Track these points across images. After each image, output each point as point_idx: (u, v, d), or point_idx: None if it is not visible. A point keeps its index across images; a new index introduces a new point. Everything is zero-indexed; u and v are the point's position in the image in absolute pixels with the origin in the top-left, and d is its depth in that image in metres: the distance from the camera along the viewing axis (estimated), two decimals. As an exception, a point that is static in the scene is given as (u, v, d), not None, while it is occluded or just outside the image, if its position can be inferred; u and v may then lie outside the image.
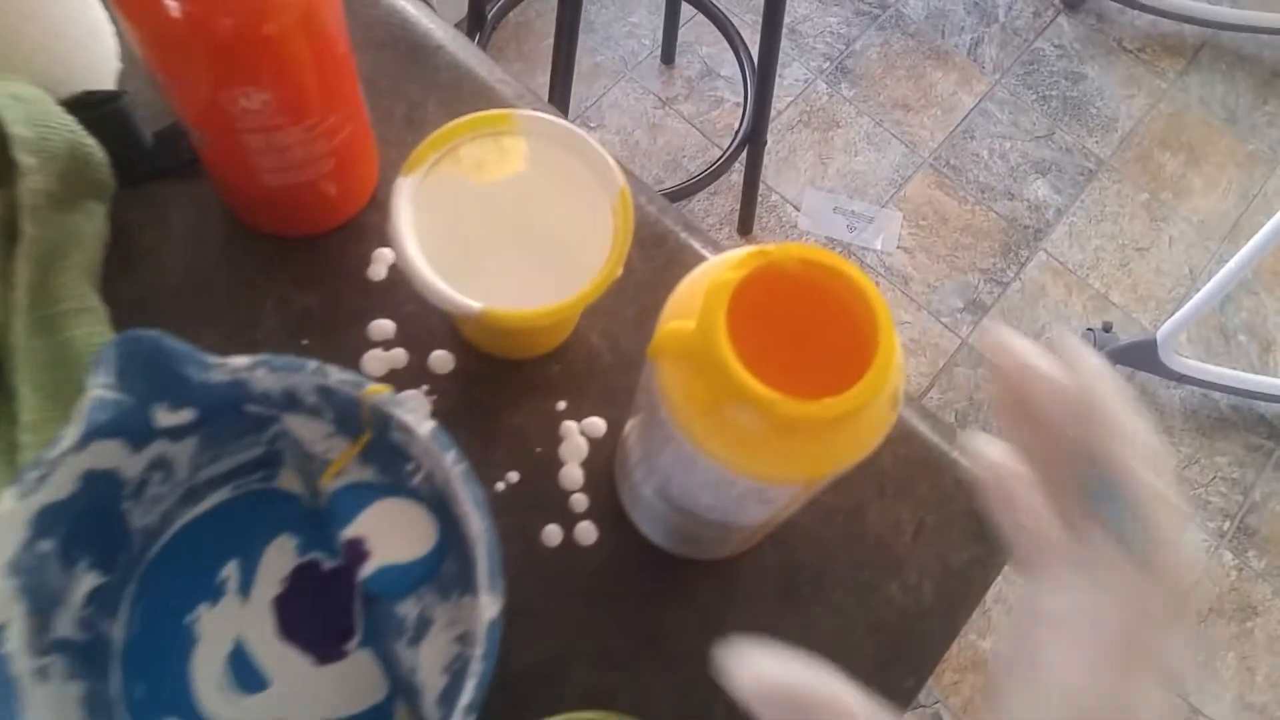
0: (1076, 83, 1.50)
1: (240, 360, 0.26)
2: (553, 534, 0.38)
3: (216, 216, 0.41)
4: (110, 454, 0.26)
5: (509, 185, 0.37)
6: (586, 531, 0.38)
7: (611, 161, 0.35)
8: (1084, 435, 0.20)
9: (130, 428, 0.26)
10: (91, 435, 0.25)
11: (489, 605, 0.24)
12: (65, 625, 0.27)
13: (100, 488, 0.27)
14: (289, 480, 0.32)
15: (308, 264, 0.41)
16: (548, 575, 0.37)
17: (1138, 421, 0.20)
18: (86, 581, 0.28)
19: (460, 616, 0.28)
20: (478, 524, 0.26)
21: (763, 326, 0.26)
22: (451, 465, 0.26)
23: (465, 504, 0.26)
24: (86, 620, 0.28)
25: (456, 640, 0.27)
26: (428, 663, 0.27)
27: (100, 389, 0.25)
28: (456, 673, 0.26)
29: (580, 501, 0.39)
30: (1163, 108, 1.50)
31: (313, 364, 0.27)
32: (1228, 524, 1.32)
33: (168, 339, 0.26)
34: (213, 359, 0.26)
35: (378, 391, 0.27)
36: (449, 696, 0.26)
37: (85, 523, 0.27)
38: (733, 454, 0.24)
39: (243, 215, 0.41)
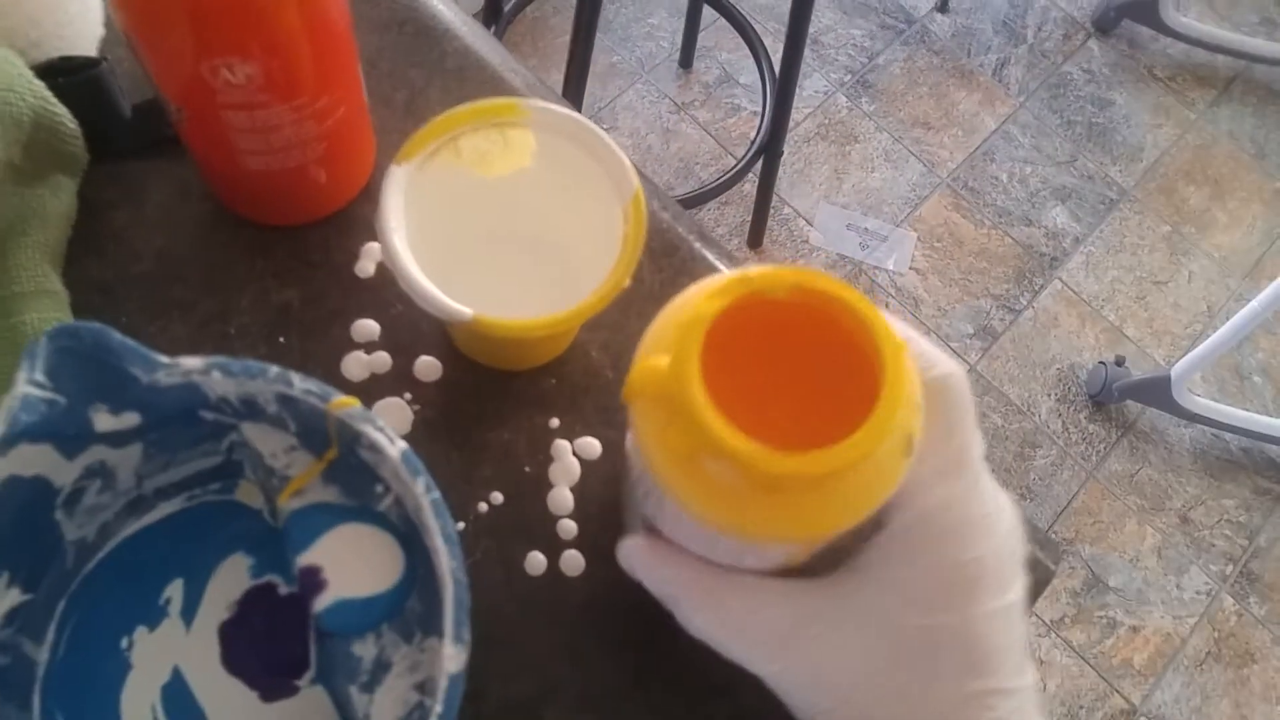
0: (1103, 109, 1.47)
1: (193, 361, 0.23)
2: (537, 562, 0.35)
3: (196, 199, 0.38)
4: (38, 459, 0.23)
5: (512, 181, 0.34)
6: (573, 561, 0.35)
7: (627, 162, 0.32)
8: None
9: (62, 431, 0.23)
10: (16, 438, 0.22)
11: (452, 657, 0.21)
12: (-20, 648, 0.24)
13: (25, 495, 0.24)
14: (248, 493, 0.29)
15: (291, 255, 0.38)
16: (529, 606, 0.34)
17: None
18: (7, 599, 0.25)
19: (423, 661, 0.25)
20: (446, 561, 0.23)
21: (751, 364, 0.23)
22: (422, 494, 0.23)
23: (435, 538, 0.23)
24: (6, 642, 0.25)
25: (416, 688, 0.24)
26: (382, 712, 0.24)
27: (28, 386, 0.22)
28: (415, 726, 0.24)
29: (569, 528, 0.36)
30: (1190, 139, 1.47)
31: (274, 370, 0.24)
32: (1230, 568, 1.29)
33: (111, 333, 0.23)
34: (162, 359, 0.23)
35: (346, 404, 0.24)
36: (405, 753, 0.23)
37: (7, 534, 0.24)
38: (714, 511, 0.21)
39: (224, 199, 0.38)
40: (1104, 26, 1.52)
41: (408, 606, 0.25)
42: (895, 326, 0.22)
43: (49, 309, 0.33)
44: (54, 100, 0.33)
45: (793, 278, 0.20)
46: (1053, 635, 1.30)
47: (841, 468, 0.19)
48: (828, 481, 0.19)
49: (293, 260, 0.38)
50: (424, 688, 0.24)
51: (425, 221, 0.32)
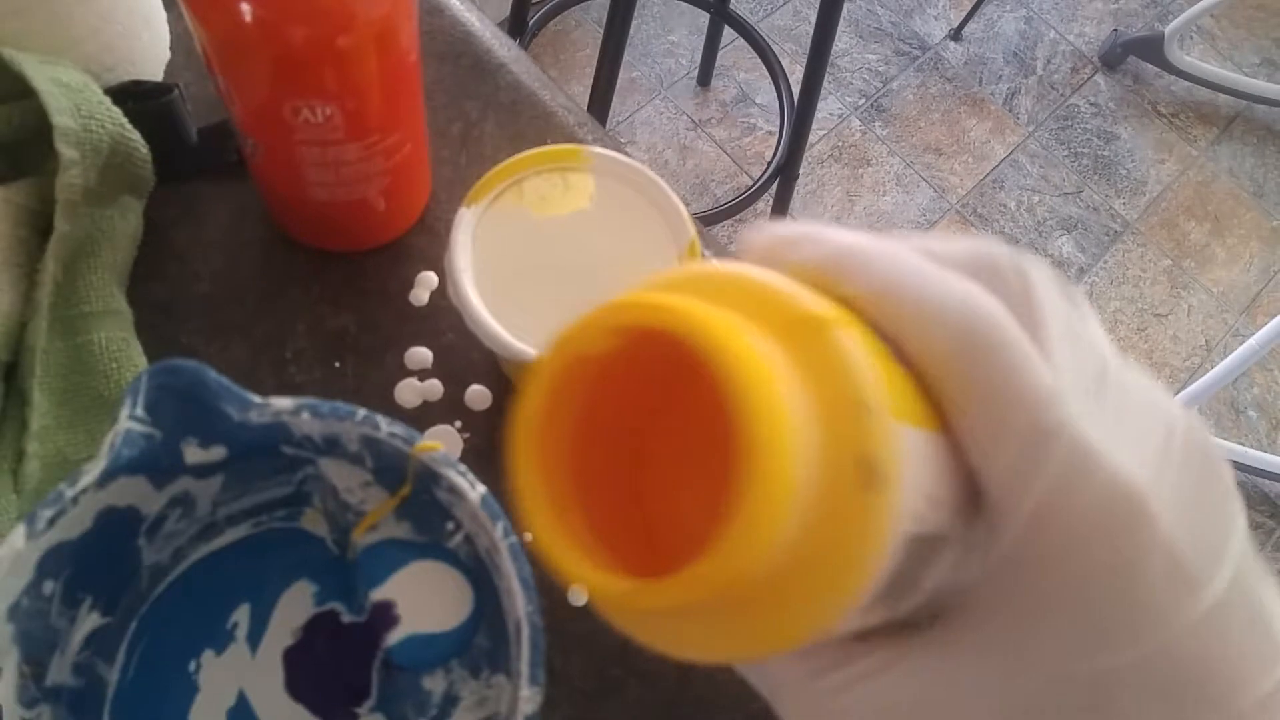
0: (1109, 142, 1.49)
1: (284, 402, 0.24)
2: (578, 593, 0.36)
3: (255, 222, 0.39)
4: (132, 491, 0.24)
5: (571, 222, 0.35)
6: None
7: (683, 210, 0.34)
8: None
9: (156, 464, 0.24)
10: (116, 472, 0.23)
11: (529, 699, 0.22)
12: (60, 672, 0.25)
13: (115, 525, 0.25)
14: (313, 521, 0.30)
15: (347, 281, 0.39)
16: (569, 638, 0.35)
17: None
18: (88, 623, 0.26)
19: (490, 696, 0.25)
20: (523, 605, 0.23)
21: (665, 432, 0.17)
22: (501, 538, 0.24)
23: (512, 581, 0.24)
24: (82, 665, 0.26)
25: (485, 724, 0.25)
26: (452, 746, 0.25)
27: (130, 421, 0.23)
28: (482, 760, 0.24)
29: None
30: (1192, 175, 1.49)
31: (362, 413, 0.25)
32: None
33: (209, 372, 0.24)
34: (255, 398, 0.24)
35: (430, 449, 0.25)
36: (473, 788, 0.24)
37: (94, 561, 0.25)
38: (626, 625, 0.16)
39: (284, 226, 0.39)
40: (1110, 62, 1.54)
41: (475, 642, 0.26)
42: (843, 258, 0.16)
43: (115, 328, 0.34)
44: (130, 126, 0.34)
45: (612, 319, 0.14)
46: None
47: (702, 592, 0.13)
48: (733, 592, 0.13)
49: (348, 287, 0.39)
50: (491, 723, 0.25)
51: (488, 260, 0.33)
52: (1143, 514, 0.14)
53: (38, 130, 0.33)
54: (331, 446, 0.26)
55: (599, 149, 0.34)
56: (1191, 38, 1.58)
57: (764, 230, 0.17)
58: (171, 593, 0.29)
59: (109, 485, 0.23)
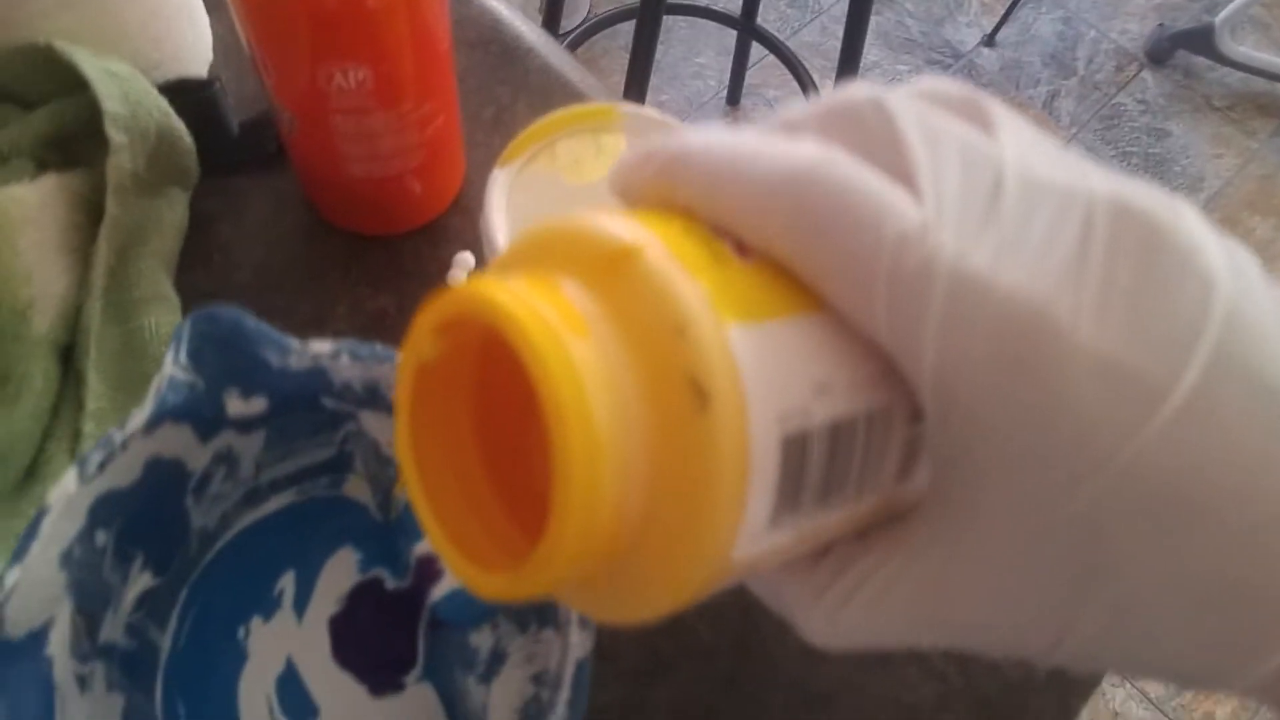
0: (1160, 139, 1.45)
1: (323, 345, 0.24)
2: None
3: (295, 211, 0.40)
4: (178, 441, 0.24)
5: (604, 189, 0.35)
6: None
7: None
8: None
9: (200, 414, 0.24)
10: (161, 418, 0.23)
11: (579, 643, 0.21)
12: (113, 630, 0.25)
13: (163, 479, 0.24)
14: (356, 488, 0.30)
15: (385, 264, 0.39)
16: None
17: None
18: (140, 582, 0.25)
19: (538, 652, 0.25)
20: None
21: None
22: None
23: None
24: (135, 626, 0.26)
25: (533, 680, 0.24)
26: (500, 702, 0.24)
27: (174, 368, 0.23)
28: (531, 717, 0.23)
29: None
30: (1253, 169, 1.44)
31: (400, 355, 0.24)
32: None
33: (247, 318, 0.24)
34: (293, 342, 0.24)
35: (467, 392, 0.24)
36: (524, 741, 0.23)
37: (144, 516, 0.25)
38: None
39: (323, 209, 0.39)
40: (1158, 57, 1.50)
41: (522, 595, 0.25)
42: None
43: (164, 314, 0.35)
44: (175, 116, 0.35)
45: (427, 321, 0.14)
46: (1128, 685, 1.25)
47: (559, 572, 0.13)
48: (601, 558, 0.13)
49: (387, 269, 0.39)
50: (540, 679, 0.24)
51: (521, 223, 0.33)
52: (1051, 330, 0.12)
53: (89, 124, 0.35)
54: (372, 396, 0.25)
55: (632, 106, 0.34)
56: (1243, 28, 1.54)
57: (621, 159, 0.16)
58: (220, 560, 0.28)
59: (155, 432, 0.23)
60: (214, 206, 0.39)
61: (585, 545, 0.12)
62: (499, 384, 0.15)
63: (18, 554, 0.21)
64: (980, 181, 0.13)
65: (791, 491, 0.13)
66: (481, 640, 0.25)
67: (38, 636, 0.22)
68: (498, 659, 0.25)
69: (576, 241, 0.13)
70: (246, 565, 0.28)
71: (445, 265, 0.39)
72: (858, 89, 0.14)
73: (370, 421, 0.27)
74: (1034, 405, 0.12)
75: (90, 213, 0.34)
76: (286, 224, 0.40)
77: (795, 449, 0.13)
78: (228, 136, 0.39)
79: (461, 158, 0.40)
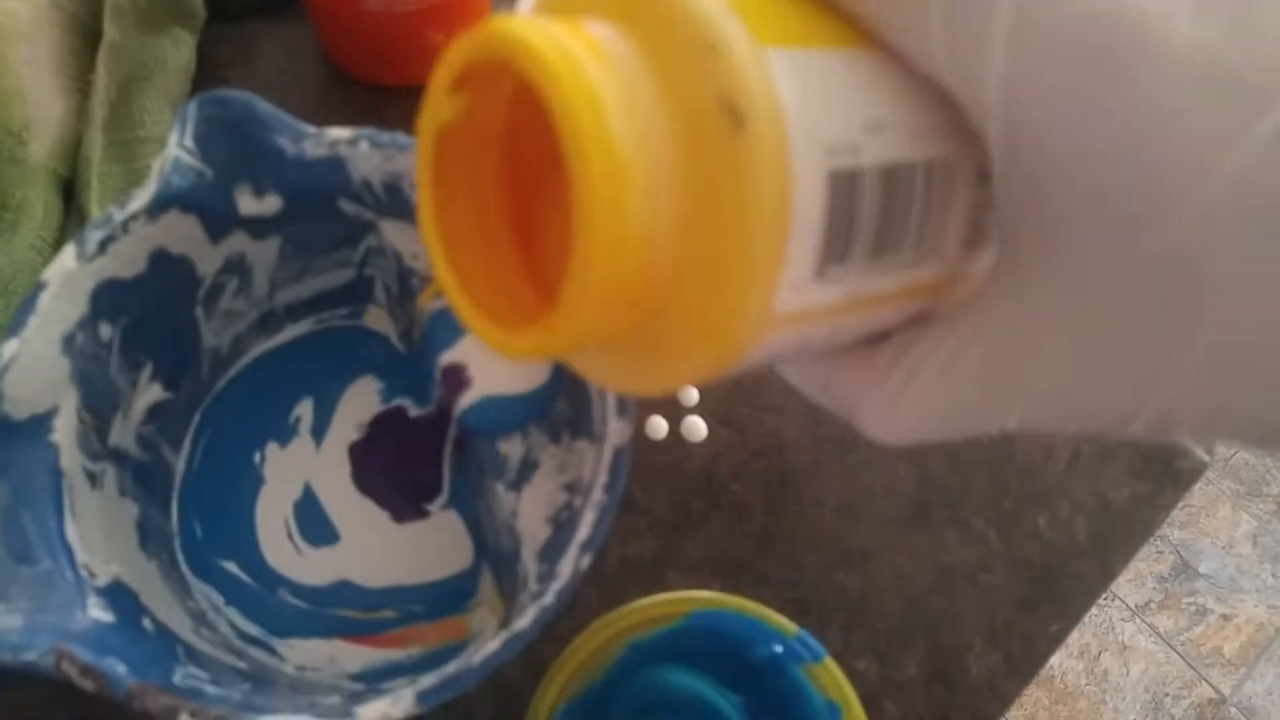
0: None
1: (340, 131, 0.22)
2: (658, 426, 0.34)
3: (310, 61, 0.38)
4: (185, 234, 0.23)
5: None
6: (695, 427, 0.34)
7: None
8: None
9: (209, 206, 0.22)
10: (166, 202, 0.21)
11: (618, 430, 0.20)
12: (123, 436, 0.23)
13: (170, 278, 0.23)
14: (377, 318, 0.28)
15: (405, 118, 0.37)
16: (650, 470, 0.33)
17: None
18: (149, 393, 0.24)
19: (570, 461, 0.23)
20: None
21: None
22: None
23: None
24: (146, 438, 0.24)
25: (565, 488, 0.23)
26: (530, 509, 0.23)
27: (178, 150, 0.21)
28: (563, 523, 0.22)
29: (690, 394, 0.34)
30: None
31: (422, 146, 0.23)
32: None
33: (258, 102, 0.22)
34: (309, 128, 0.22)
35: (495, 184, 0.23)
36: (554, 548, 0.21)
37: (153, 319, 0.23)
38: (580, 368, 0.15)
39: (338, 56, 0.37)
40: None
41: (555, 408, 0.24)
42: None
43: (171, 154, 0.33)
44: (180, -56, 0.33)
45: (445, 73, 0.13)
46: (1138, 620, 1.25)
47: (589, 316, 0.12)
48: (634, 305, 0.12)
49: (404, 125, 0.37)
50: (572, 487, 0.23)
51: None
52: (1142, 25, 0.11)
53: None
54: (393, 199, 0.24)
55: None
56: None
57: None
58: (234, 387, 0.27)
59: (160, 219, 0.22)
60: (224, 53, 0.38)
61: (614, 281, 0.11)
62: (526, 146, 0.14)
63: (14, 327, 0.20)
64: None
65: (840, 237, 0.12)
66: (512, 449, 0.24)
67: (41, 421, 0.20)
68: (529, 467, 0.23)
69: None
70: (261, 392, 0.27)
71: (465, 119, 0.38)
72: None
73: (392, 233, 0.25)
74: (1122, 114, 0.11)
75: (86, 38, 0.33)
76: (301, 73, 0.38)
77: (844, 187, 0.12)
78: (236, -23, 0.37)
79: (487, 6, 0.38)
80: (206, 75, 0.37)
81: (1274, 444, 0.13)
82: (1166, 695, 1.22)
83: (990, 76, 0.11)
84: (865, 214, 0.12)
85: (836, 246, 0.12)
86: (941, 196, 0.13)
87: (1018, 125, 0.11)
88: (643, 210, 0.11)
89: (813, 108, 0.11)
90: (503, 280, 0.14)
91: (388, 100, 0.37)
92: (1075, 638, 1.17)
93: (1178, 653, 1.23)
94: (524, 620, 0.18)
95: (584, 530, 0.19)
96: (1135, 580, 1.27)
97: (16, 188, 0.30)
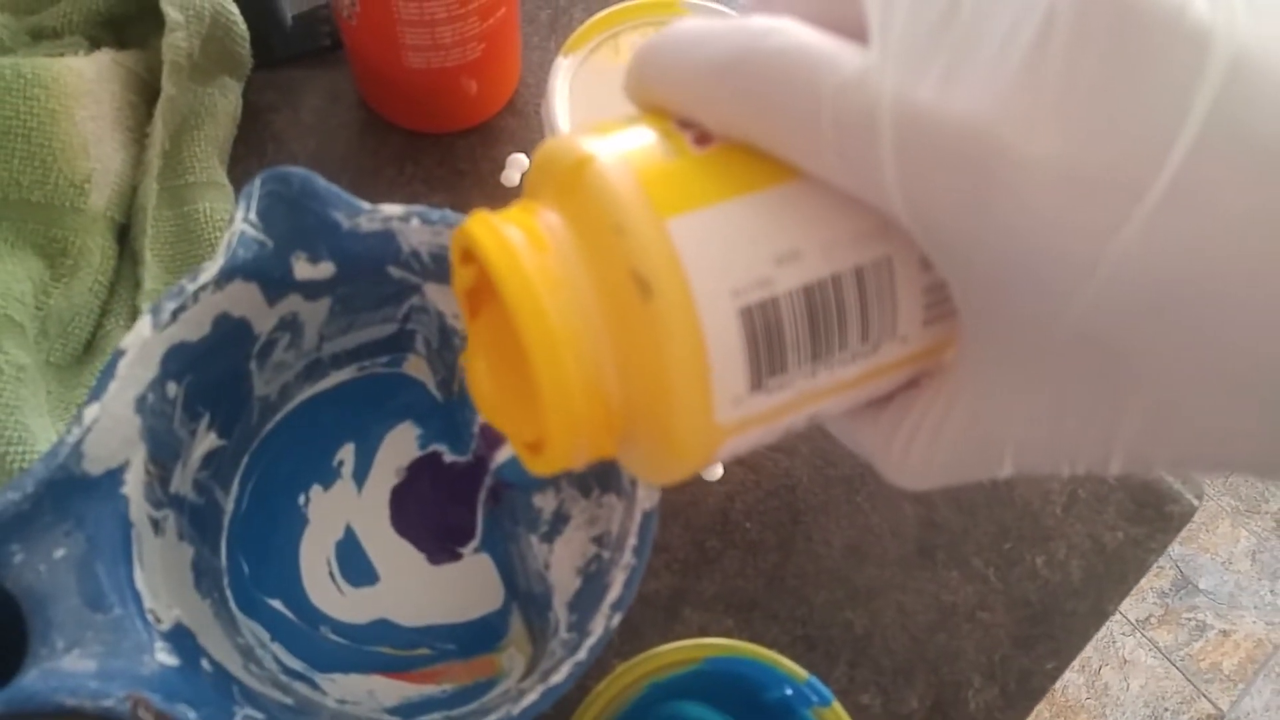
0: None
1: (393, 208, 0.24)
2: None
3: (349, 106, 0.40)
4: (246, 300, 0.24)
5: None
6: (712, 465, 0.35)
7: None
8: None
9: (268, 274, 0.24)
10: (232, 273, 0.23)
11: (647, 497, 0.22)
12: (182, 483, 0.25)
13: (230, 338, 0.25)
14: (417, 367, 0.30)
15: (439, 163, 0.39)
16: (669, 508, 0.35)
17: None
18: (206, 441, 0.26)
19: (600, 515, 0.25)
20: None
21: None
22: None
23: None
24: (202, 483, 0.26)
25: (594, 541, 0.25)
26: (561, 561, 0.24)
27: (244, 224, 0.23)
28: (592, 575, 0.24)
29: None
30: None
31: (468, 221, 0.24)
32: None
33: (317, 179, 0.24)
34: (364, 204, 0.24)
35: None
36: (583, 599, 0.23)
37: (212, 375, 0.25)
38: None
39: (379, 105, 0.39)
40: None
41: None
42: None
43: (218, 200, 0.35)
44: (230, 1, 0.35)
45: (455, 253, 0.16)
46: (1138, 635, 1.26)
47: (562, 452, 0.15)
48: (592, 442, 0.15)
49: (441, 168, 0.39)
50: (601, 541, 0.24)
51: (582, 114, 0.32)
52: (1000, 148, 0.11)
53: (142, 5, 0.34)
54: (439, 266, 0.25)
55: (695, -2, 0.33)
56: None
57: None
58: (280, 431, 0.29)
59: (226, 287, 0.23)
60: (268, 99, 0.39)
61: (574, 419, 0.14)
62: None
63: (96, 393, 0.21)
64: (928, 10, 0.12)
65: (767, 355, 0.14)
66: (545, 502, 0.25)
67: (114, 475, 0.22)
68: (560, 520, 0.25)
69: (553, 159, 0.15)
70: (306, 436, 0.29)
71: (499, 166, 0.39)
72: None
73: (435, 294, 0.27)
74: (1003, 228, 0.12)
75: (144, 92, 0.34)
76: (341, 119, 0.40)
77: (759, 317, 0.14)
78: (281, 27, 0.39)
79: (518, 58, 0.40)
80: (251, 120, 0.38)
81: (1252, 472, 0.14)
82: (1166, 710, 1.23)
83: (890, 194, 0.13)
84: (791, 330, 0.14)
85: (766, 363, 0.14)
86: (880, 292, 0.14)
87: (927, 228, 0.13)
88: (581, 365, 0.14)
89: (716, 260, 0.13)
90: (522, 402, 0.17)
91: (424, 146, 0.39)
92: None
93: (1177, 668, 1.24)
94: (559, 675, 0.20)
95: (615, 591, 0.21)
96: (1136, 595, 1.28)
97: (77, 235, 0.31)
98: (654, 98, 0.15)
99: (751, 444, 0.15)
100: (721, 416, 0.14)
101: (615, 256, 0.13)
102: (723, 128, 0.14)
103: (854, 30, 0.13)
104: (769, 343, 0.14)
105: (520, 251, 0.14)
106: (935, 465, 0.15)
